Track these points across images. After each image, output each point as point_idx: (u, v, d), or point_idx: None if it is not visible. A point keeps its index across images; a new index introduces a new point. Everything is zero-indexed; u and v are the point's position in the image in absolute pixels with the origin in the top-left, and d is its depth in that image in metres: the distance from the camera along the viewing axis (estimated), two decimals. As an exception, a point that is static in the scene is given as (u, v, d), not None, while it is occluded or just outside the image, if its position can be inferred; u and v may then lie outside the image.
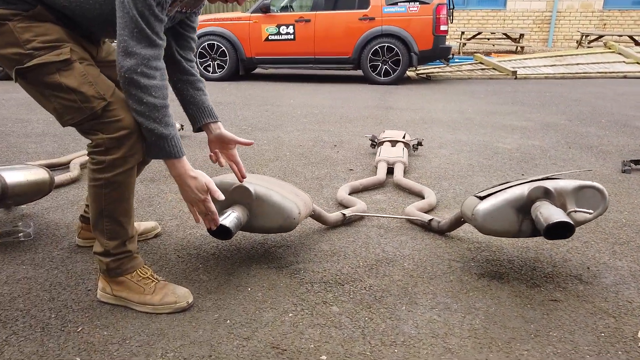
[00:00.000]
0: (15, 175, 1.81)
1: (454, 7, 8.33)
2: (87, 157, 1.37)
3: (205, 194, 1.39)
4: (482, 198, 1.54)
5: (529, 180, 1.54)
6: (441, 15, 7.37)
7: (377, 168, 2.81)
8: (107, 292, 1.45)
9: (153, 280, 1.45)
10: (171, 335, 1.30)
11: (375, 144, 3.33)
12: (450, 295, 1.50)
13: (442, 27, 7.44)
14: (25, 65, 1.25)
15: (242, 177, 1.63)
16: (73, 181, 2.64)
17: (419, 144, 3.27)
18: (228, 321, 1.37)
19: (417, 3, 7.39)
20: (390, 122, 4.55)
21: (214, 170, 2.89)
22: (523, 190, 1.47)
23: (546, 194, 1.46)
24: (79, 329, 1.33)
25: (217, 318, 1.39)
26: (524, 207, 1.47)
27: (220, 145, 1.62)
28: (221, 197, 1.40)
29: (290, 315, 1.40)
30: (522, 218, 1.48)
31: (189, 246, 1.86)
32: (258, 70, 9.70)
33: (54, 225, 2.05)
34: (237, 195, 1.63)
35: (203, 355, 1.23)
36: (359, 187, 2.50)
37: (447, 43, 7.91)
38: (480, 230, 1.52)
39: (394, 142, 3.21)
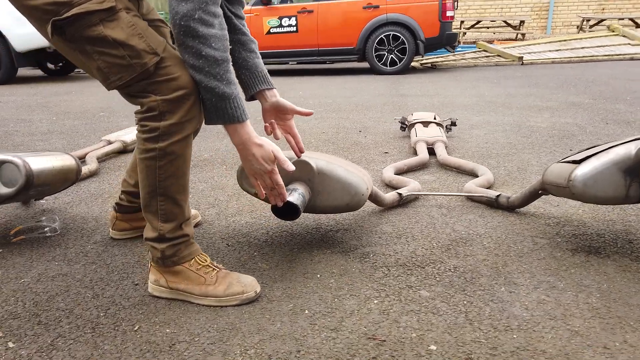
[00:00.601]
0: (41, 162, 1.61)
1: (458, -7, 8.15)
2: (135, 127, 1.18)
3: (272, 165, 1.20)
4: (578, 162, 1.36)
5: (628, 140, 1.36)
6: (447, 1, 7.20)
7: (415, 149, 2.63)
8: (162, 284, 1.26)
9: (214, 269, 1.26)
10: (246, 330, 1.12)
11: (406, 126, 3.15)
12: (550, 273, 1.32)
13: (449, 13, 7.27)
14: (63, 17, 1.06)
15: (300, 151, 1.45)
16: (92, 174, 2.44)
17: (453, 124, 3.09)
18: (306, 311, 1.19)
19: (422, -11, 7.23)
20: (409, 107, 4.37)
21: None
22: (629, 149, 1.30)
23: (657, 153, 1.28)
24: (136, 328, 1.14)
25: (292, 308, 1.20)
26: (631, 168, 1.30)
27: (276, 115, 1.43)
28: (291, 167, 1.22)
29: (375, 302, 1.22)
30: (629, 181, 1.30)
31: (237, 234, 1.67)
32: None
33: (80, 219, 1.85)
34: (297, 171, 1.44)
35: (290, 351, 1.04)
36: (404, 168, 2.32)
37: (453, 29, 7.76)
38: (581, 198, 1.34)
39: (426, 123, 3.03)
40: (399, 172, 2.30)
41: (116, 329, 1.14)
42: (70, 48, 1.12)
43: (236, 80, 1.13)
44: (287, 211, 1.32)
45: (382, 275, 1.35)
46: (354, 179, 1.44)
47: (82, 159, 2.68)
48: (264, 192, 1.24)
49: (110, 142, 2.92)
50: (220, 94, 1.10)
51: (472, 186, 1.92)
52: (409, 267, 1.39)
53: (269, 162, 1.19)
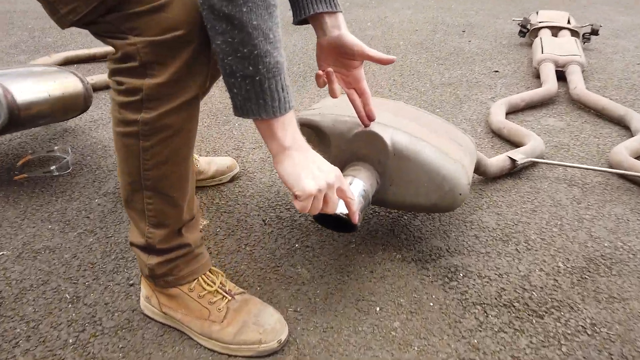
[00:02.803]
0: (31, 89, 1.22)
1: None
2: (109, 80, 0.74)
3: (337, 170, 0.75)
4: None
5: None
6: None
7: (539, 71, 1.96)
8: (153, 304, 0.89)
9: (224, 297, 0.86)
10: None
11: (527, 30, 2.41)
12: None
13: None
14: None
15: (369, 117, 0.94)
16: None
17: (594, 32, 2.30)
18: (350, 390, 0.78)
19: None
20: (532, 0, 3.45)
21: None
22: None
23: None
24: (106, 380, 0.80)
25: (330, 378, 0.80)
26: None
27: (337, 58, 0.90)
28: (355, 217, 0.79)
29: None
30: None
31: (281, 201, 1.25)
32: None
33: (100, 151, 1.51)
34: (362, 147, 0.95)
35: None
36: (520, 104, 1.71)
37: None
38: None
39: (556, 29, 2.27)
40: (513, 110, 1.70)
41: (81, 374, 0.81)
42: None
43: None
44: (337, 223, 0.86)
45: (475, 324, 0.89)
46: (450, 168, 0.92)
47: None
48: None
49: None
50: (274, 64, 0.63)
51: (623, 156, 1.32)
52: (520, 311, 0.91)
53: (333, 174, 0.73)
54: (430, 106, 1.78)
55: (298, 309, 0.93)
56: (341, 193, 0.75)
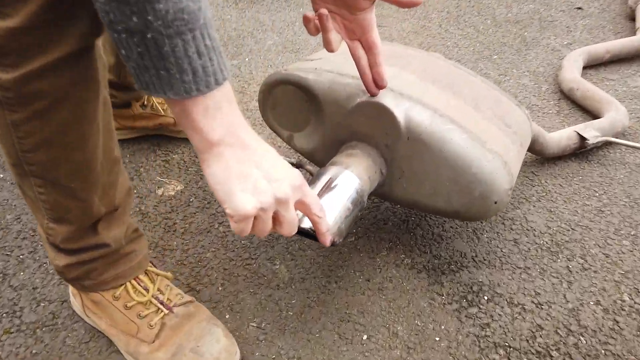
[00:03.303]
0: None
1: None
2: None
3: (297, 191, 0.49)
4: None
5: None
6: None
7: (635, 12, 1.54)
8: (78, 304, 0.71)
9: (159, 310, 0.66)
10: None
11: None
12: None
13: None
14: None
15: (377, 83, 0.66)
16: None
17: None
18: None
19: None
20: None
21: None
22: None
23: None
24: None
25: None
26: None
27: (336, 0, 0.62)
28: (327, 238, 0.52)
29: None
30: None
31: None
32: None
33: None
34: (365, 123, 0.68)
35: None
36: (604, 56, 1.34)
37: None
38: None
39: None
40: (594, 63, 1.33)
41: (-21, 388, 0.66)
42: None
43: None
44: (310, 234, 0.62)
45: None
46: (485, 164, 0.64)
47: None
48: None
49: None
50: (174, 13, 0.36)
51: None
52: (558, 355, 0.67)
53: (287, 184, 0.47)
54: (487, 50, 1.44)
55: (262, 325, 0.72)
56: (304, 207, 0.51)
